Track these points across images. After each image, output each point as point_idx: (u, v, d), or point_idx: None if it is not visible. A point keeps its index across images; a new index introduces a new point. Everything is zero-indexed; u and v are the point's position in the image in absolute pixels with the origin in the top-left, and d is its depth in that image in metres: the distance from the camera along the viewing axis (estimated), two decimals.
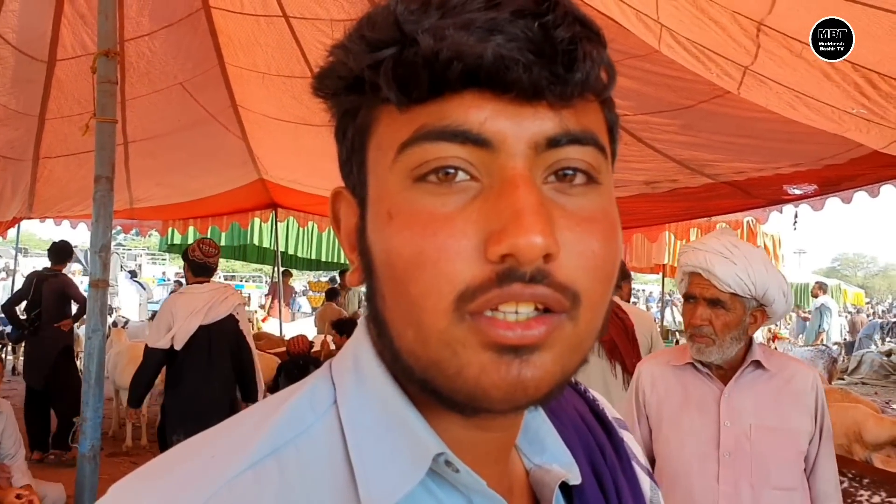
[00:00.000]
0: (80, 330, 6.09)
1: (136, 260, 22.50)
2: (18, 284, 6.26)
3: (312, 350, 5.48)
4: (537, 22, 0.37)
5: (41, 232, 29.62)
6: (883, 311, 23.21)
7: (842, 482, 2.60)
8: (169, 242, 8.46)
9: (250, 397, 3.71)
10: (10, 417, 3.30)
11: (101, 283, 2.55)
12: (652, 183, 4.70)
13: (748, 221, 6.84)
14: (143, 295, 14.06)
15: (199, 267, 3.68)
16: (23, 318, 5.48)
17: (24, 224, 6.82)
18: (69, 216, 6.19)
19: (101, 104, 2.58)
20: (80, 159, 4.62)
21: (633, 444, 0.61)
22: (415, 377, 0.41)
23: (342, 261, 9.65)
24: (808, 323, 11.73)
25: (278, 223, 8.22)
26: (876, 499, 2.91)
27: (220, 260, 4.68)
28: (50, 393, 5.23)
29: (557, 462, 0.49)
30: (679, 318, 12.38)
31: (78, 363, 6.01)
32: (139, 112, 4.55)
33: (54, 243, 5.64)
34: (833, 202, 4.47)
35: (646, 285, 26.72)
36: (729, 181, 4.47)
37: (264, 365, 5.25)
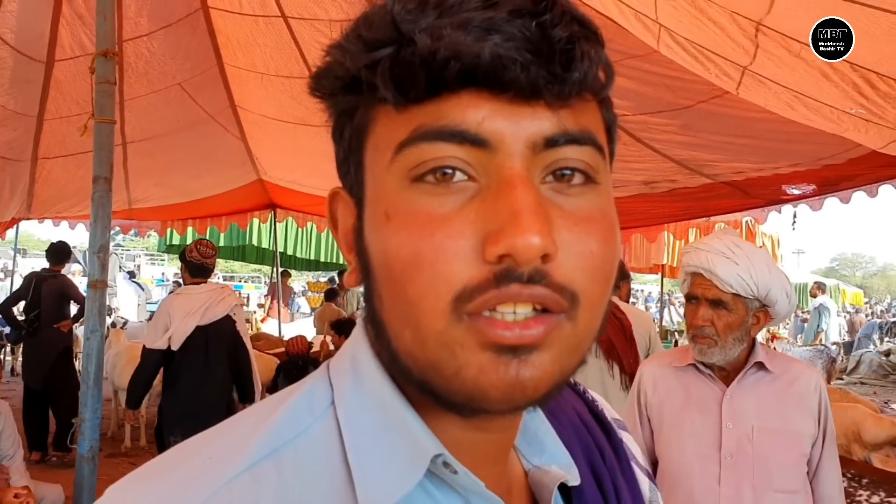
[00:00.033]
0: (80, 331, 6.09)
1: (134, 261, 22.48)
2: (17, 285, 6.24)
3: (311, 351, 5.49)
4: (535, 21, 0.37)
5: (40, 232, 29.67)
6: (881, 311, 23.24)
7: None
8: (168, 243, 8.46)
9: (247, 398, 3.71)
10: (9, 418, 3.30)
11: (99, 284, 2.55)
12: (651, 183, 4.70)
13: (747, 221, 6.84)
14: (141, 296, 14.04)
15: (196, 268, 3.69)
16: (20, 319, 5.47)
17: (23, 225, 6.81)
18: (68, 217, 6.19)
19: (100, 104, 2.58)
20: (78, 160, 4.62)
21: (633, 444, 0.61)
22: (413, 378, 0.41)
23: (341, 261, 9.64)
24: (806, 323, 11.73)
25: (277, 224, 8.21)
26: (875, 499, 2.91)
27: (219, 260, 4.68)
28: (49, 394, 5.22)
29: (556, 463, 0.49)
30: (677, 318, 12.39)
31: (77, 364, 6.00)
32: (138, 112, 4.54)
33: (52, 244, 5.64)
34: (832, 202, 4.47)
35: (645, 285, 26.75)
36: (728, 181, 4.48)
37: (263, 365, 5.26)
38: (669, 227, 6.86)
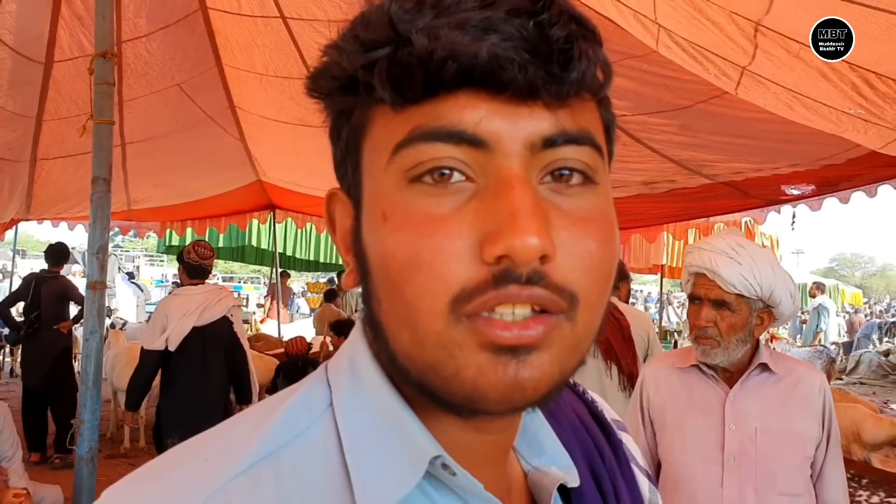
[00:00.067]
0: (79, 332, 6.08)
1: (133, 261, 22.46)
2: (16, 286, 6.24)
3: (311, 351, 5.49)
4: (532, 21, 0.37)
5: (39, 233, 29.59)
6: (881, 311, 23.25)
7: None
8: (167, 244, 8.46)
9: (245, 399, 3.72)
10: (8, 419, 3.29)
11: (98, 285, 2.55)
12: (650, 183, 4.71)
13: (746, 222, 6.84)
14: (140, 297, 14.04)
15: (193, 269, 3.69)
16: (19, 320, 5.47)
17: (22, 226, 6.82)
18: (67, 218, 6.18)
19: (99, 105, 2.58)
20: (77, 161, 4.62)
21: (633, 445, 0.61)
22: (411, 379, 0.41)
23: (340, 262, 9.63)
24: (805, 323, 11.73)
25: (276, 224, 8.22)
26: (875, 499, 2.91)
27: (219, 261, 4.68)
28: (48, 395, 5.22)
29: (556, 464, 0.49)
30: (676, 318, 12.39)
31: (76, 365, 6.00)
32: (137, 113, 4.54)
33: (51, 245, 5.64)
34: (831, 202, 4.48)
35: (644, 286, 26.74)
36: (727, 181, 4.48)
37: (263, 366, 5.26)
38: (669, 228, 6.86)
